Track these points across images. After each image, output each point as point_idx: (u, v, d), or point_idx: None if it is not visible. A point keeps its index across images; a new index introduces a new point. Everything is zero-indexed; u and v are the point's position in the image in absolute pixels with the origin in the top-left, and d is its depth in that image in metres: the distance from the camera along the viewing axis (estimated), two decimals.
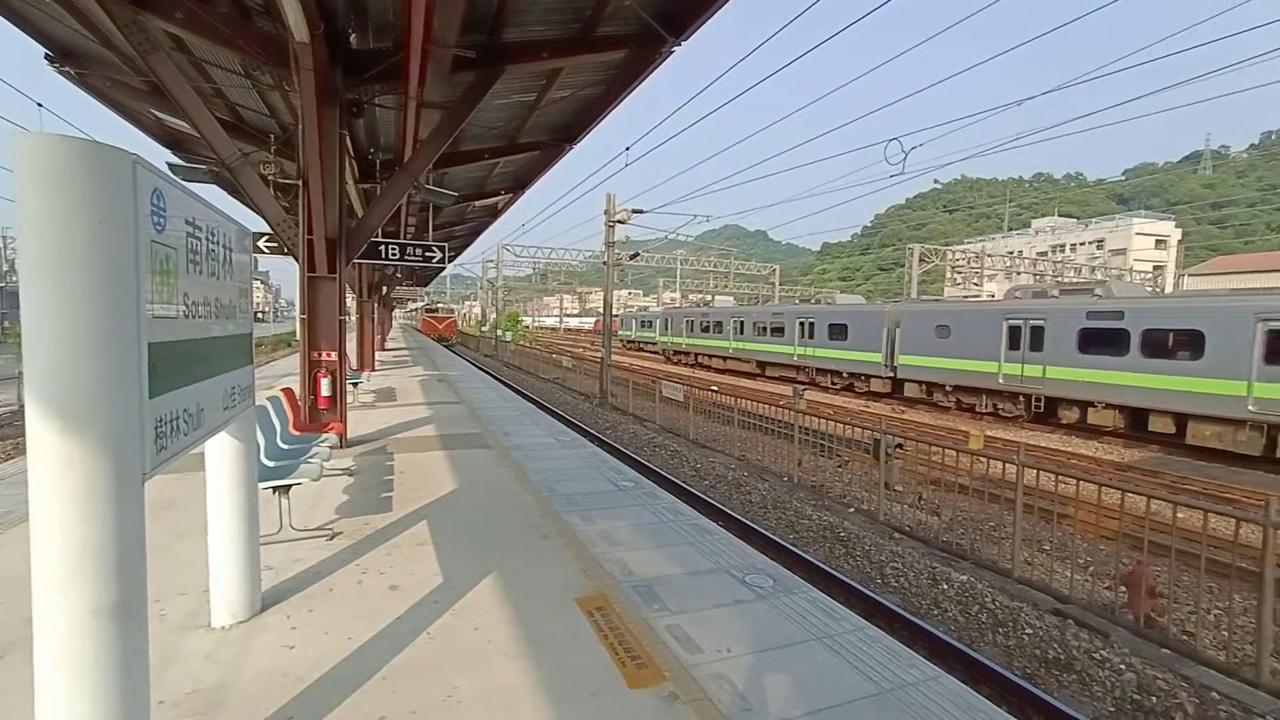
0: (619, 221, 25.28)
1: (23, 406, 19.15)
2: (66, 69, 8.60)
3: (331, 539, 4.77)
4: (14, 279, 54.25)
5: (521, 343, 42.86)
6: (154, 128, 11.64)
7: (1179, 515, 5.55)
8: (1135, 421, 15.23)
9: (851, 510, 9.32)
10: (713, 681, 2.94)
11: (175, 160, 12.11)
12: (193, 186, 2.80)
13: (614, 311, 27.47)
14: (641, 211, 25.40)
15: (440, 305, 57.83)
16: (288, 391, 6.64)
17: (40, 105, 9.73)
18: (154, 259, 1.99)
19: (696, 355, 36.99)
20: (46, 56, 8.46)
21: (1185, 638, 5.37)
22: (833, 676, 3.01)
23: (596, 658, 3.14)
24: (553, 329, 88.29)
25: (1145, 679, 4.71)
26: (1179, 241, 62.20)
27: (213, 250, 2.60)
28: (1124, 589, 5.94)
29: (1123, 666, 4.88)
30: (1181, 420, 14.06)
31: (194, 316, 2.37)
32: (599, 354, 24.99)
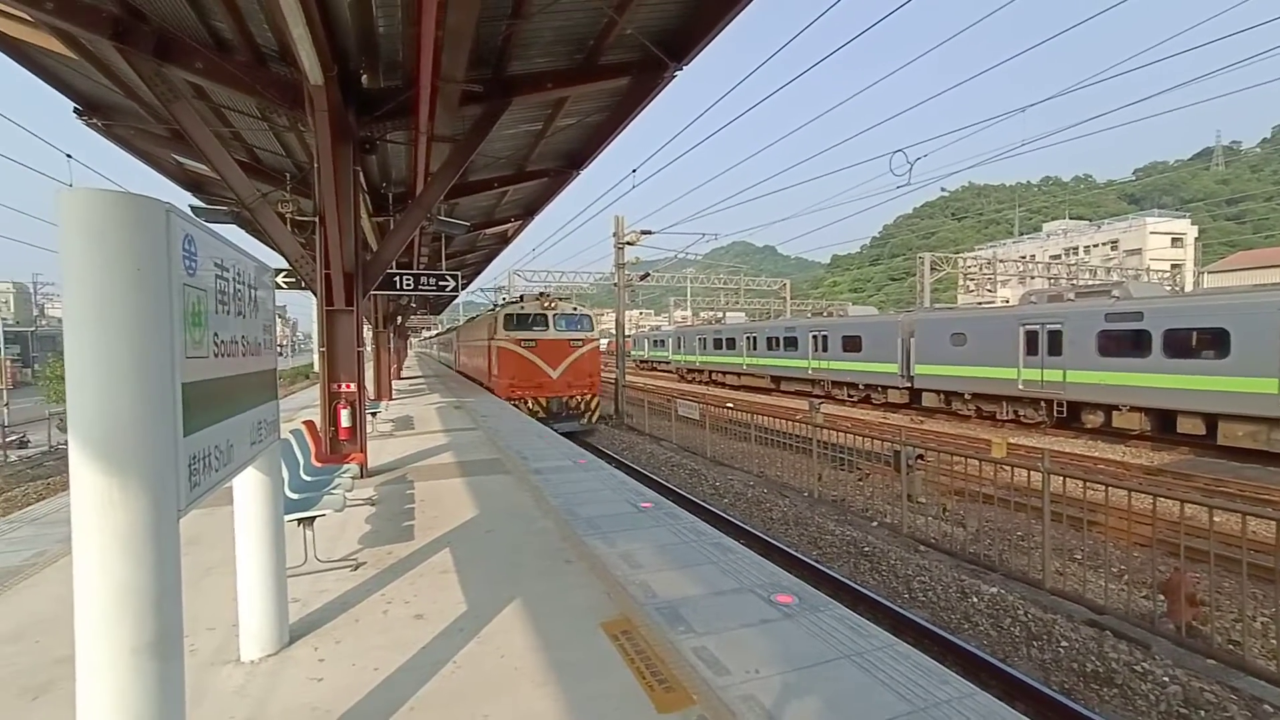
0: (628, 243, 25.54)
1: (53, 448, 19.59)
2: (94, 121, 8.98)
3: (356, 569, 4.80)
4: (44, 323, 55.85)
5: None
6: (176, 172, 12.06)
7: (1216, 519, 5.41)
8: (1163, 424, 14.90)
9: (875, 524, 9.18)
10: (742, 703, 2.90)
11: (196, 202, 12.51)
12: (215, 227, 2.90)
13: (626, 332, 27.57)
14: (650, 233, 25.65)
15: (547, 305, 19.62)
16: (309, 424, 6.74)
17: (69, 156, 10.12)
18: (186, 302, 2.07)
19: (710, 373, 36.94)
20: (75, 110, 8.84)
21: (1231, 647, 5.19)
22: (864, 695, 2.96)
23: (623, 682, 3.11)
24: None
25: (1191, 691, 4.55)
26: (1195, 239, 61.28)
27: (239, 290, 2.69)
28: (1162, 597, 5.77)
29: (1166, 679, 4.72)
30: (1212, 421, 13.73)
31: (223, 355, 2.44)
32: (613, 374, 25.05)
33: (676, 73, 7.66)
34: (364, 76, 7.46)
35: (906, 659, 3.29)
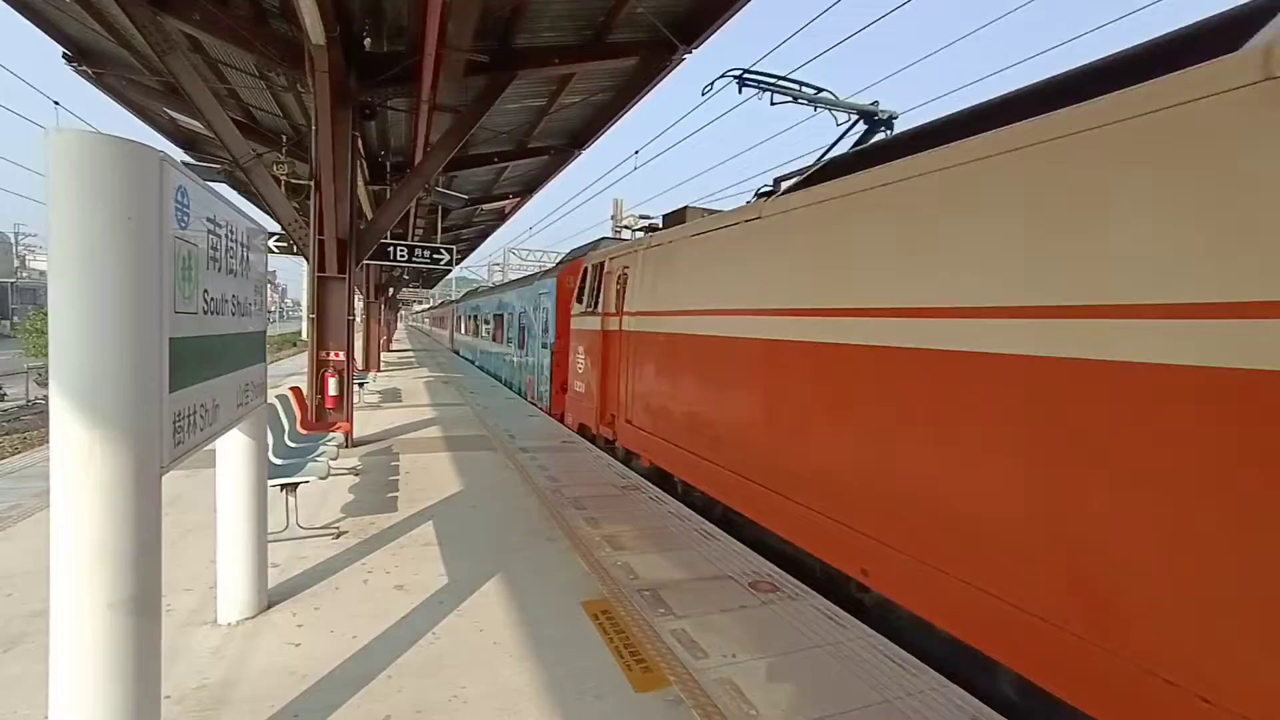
0: (625, 227, 25.37)
1: (30, 402, 19.28)
2: (84, 68, 8.72)
3: (337, 538, 4.78)
4: (24, 276, 54.68)
5: None
6: (168, 127, 11.77)
7: None
8: None
9: None
10: (718, 686, 2.94)
11: (189, 159, 12.24)
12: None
13: None
14: (649, 218, 25.47)
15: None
16: (295, 390, 6.68)
17: (57, 104, 9.84)
18: (177, 255, 2.02)
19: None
20: (64, 55, 8.58)
21: None
22: (838, 684, 3.01)
23: (602, 661, 3.14)
24: None
25: None
26: None
27: (231, 248, 2.64)
28: None
29: None
30: None
31: (212, 313, 2.40)
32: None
33: (686, 55, 7.57)
34: (367, 39, 7.30)
35: (881, 650, 3.34)
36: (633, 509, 5.69)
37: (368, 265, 15.27)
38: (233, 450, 3.29)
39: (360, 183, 10.21)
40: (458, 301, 33.18)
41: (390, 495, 5.98)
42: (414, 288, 34.31)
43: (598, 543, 4.80)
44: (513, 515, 5.45)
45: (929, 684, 3.03)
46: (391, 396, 13.47)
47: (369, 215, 11.70)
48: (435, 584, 4.01)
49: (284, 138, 10.30)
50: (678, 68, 7.97)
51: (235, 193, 14.08)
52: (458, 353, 29.25)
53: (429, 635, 3.35)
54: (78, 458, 1.76)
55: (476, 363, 22.94)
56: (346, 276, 7.59)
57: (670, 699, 2.83)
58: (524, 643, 3.29)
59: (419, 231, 17.67)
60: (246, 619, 3.45)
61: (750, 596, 3.94)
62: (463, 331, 28.21)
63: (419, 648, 3.23)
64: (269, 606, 3.61)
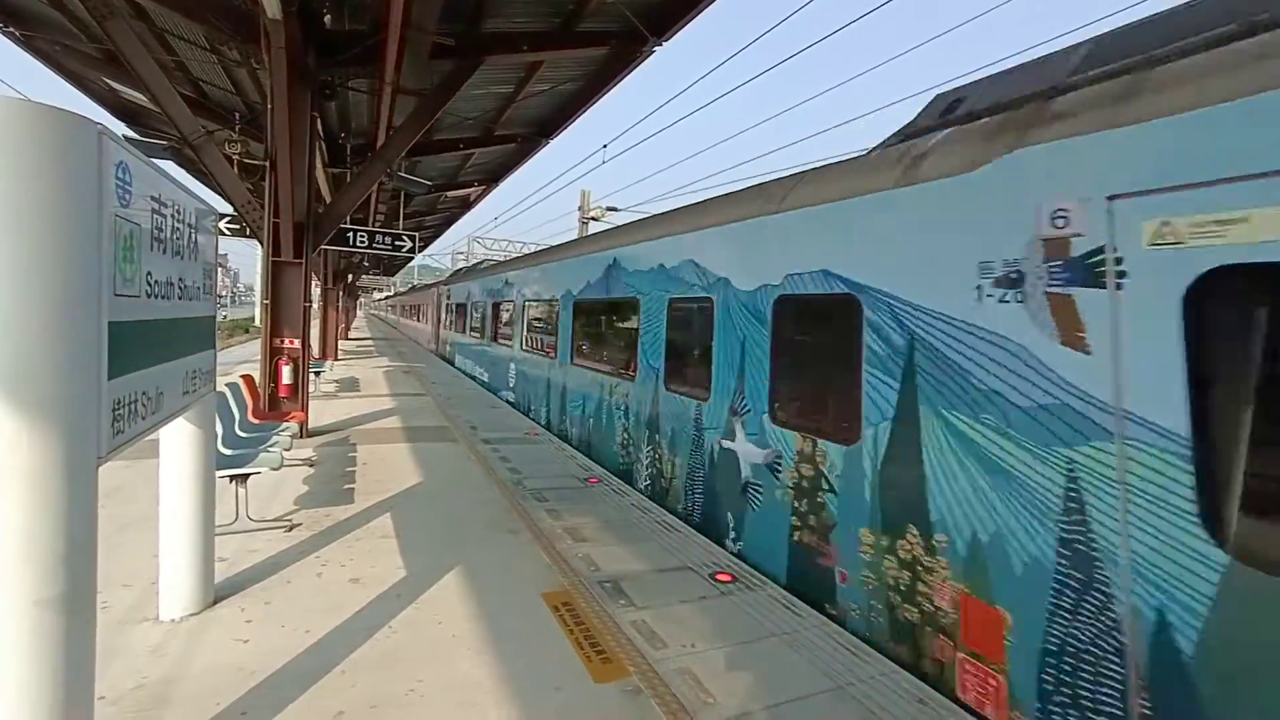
0: (592, 218, 25.23)
1: None
2: (10, 30, 8.15)
3: (290, 530, 4.64)
4: None
5: None
6: (107, 97, 11.11)
7: None
8: None
9: None
10: (676, 676, 2.98)
11: (130, 134, 11.60)
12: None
13: None
14: (616, 210, 25.40)
15: None
16: (247, 378, 6.44)
17: None
18: (118, 235, 1.92)
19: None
20: None
21: None
22: (793, 671, 3.08)
23: (562, 652, 3.14)
24: None
25: None
26: None
27: (177, 229, 2.52)
28: None
29: None
30: None
31: (156, 296, 2.29)
32: None
33: (656, 48, 7.55)
34: (327, 16, 7.05)
35: (835, 638, 3.44)
36: (595, 501, 5.70)
37: (325, 250, 14.80)
38: (178, 440, 3.15)
39: (319, 165, 9.87)
40: (450, 282, 21.19)
41: (347, 487, 5.84)
42: (374, 275, 33.40)
43: (559, 534, 4.79)
44: (474, 507, 5.39)
45: (879, 670, 3.13)
46: (349, 386, 13.11)
47: (328, 199, 11.34)
48: (392, 577, 3.94)
49: (237, 115, 9.85)
50: (647, 60, 7.95)
51: (184, 171, 13.42)
52: (451, 361, 19.28)
53: (385, 629, 3.30)
54: (5, 444, 1.66)
55: (503, 387, 12.68)
56: (303, 262, 7.34)
57: (629, 689, 2.86)
58: (483, 635, 3.27)
59: (380, 217, 17.21)
60: (191, 615, 3.33)
61: (709, 587, 4.00)
62: (466, 329, 16.95)
63: (375, 642, 3.17)
64: (215, 602, 3.49)
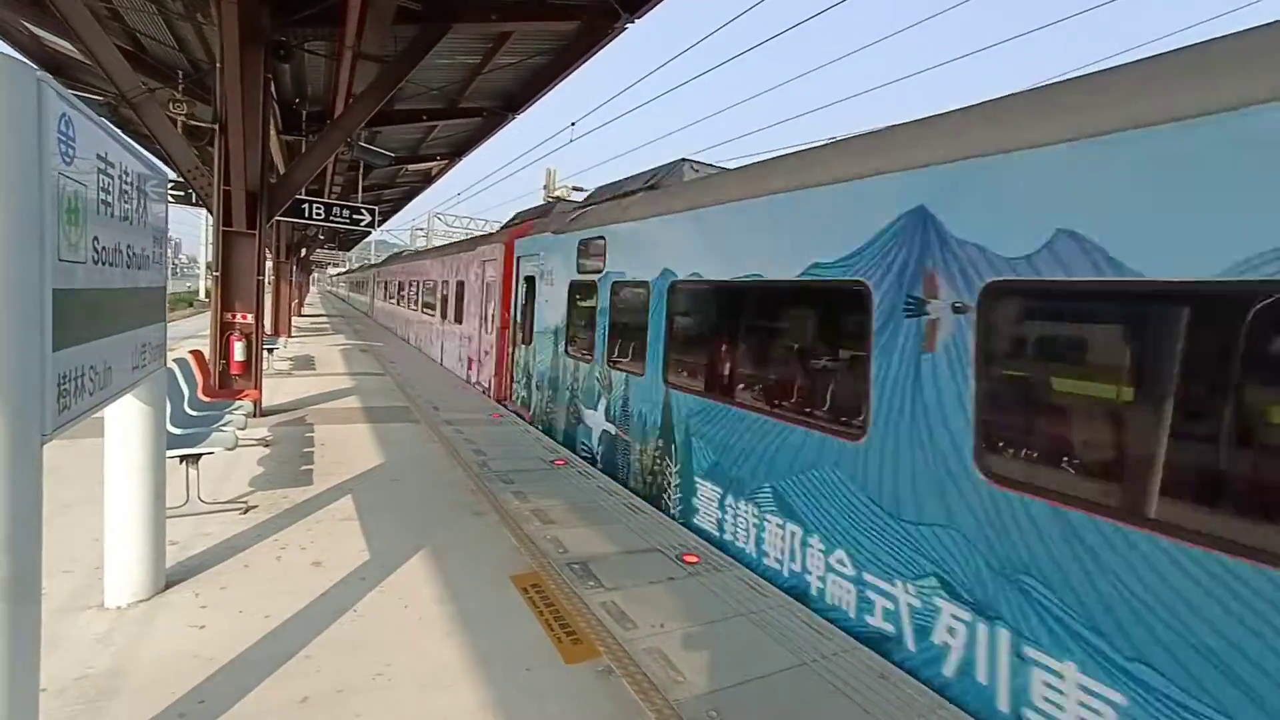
0: (558, 198, 24.83)
1: None
2: None
3: (245, 512, 4.47)
4: None
5: None
6: (29, 45, 10.21)
7: None
8: None
9: None
10: (646, 655, 3.01)
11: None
12: None
13: None
14: (582, 189, 25.07)
15: None
16: (196, 354, 6.13)
17: None
18: (61, 196, 1.77)
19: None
20: None
21: None
22: (759, 649, 3.16)
23: (532, 634, 3.14)
24: None
25: None
26: None
27: (126, 191, 2.35)
28: None
29: None
30: None
31: (104, 264, 2.13)
32: None
33: (629, 24, 7.41)
34: None
35: (798, 616, 3.54)
36: (562, 483, 5.68)
37: (279, 222, 14.13)
38: (125, 418, 2.98)
39: (272, 131, 9.37)
40: (442, 255, 15.74)
41: (305, 468, 5.65)
42: (329, 249, 32.12)
43: (527, 516, 4.76)
44: (438, 489, 5.30)
45: (841, 646, 3.24)
46: (304, 364, 12.65)
47: (281, 168, 10.80)
48: (356, 560, 3.85)
49: (180, 74, 9.22)
50: (619, 37, 7.80)
51: (120, 132, 12.54)
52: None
53: (350, 613, 3.22)
54: None
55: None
56: (256, 233, 6.99)
57: (600, 669, 2.88)
58: (452, 618, 3.23)
59: (337, 189, 16.53)
60: (140, 601, 3.18)
61: (677, 568, 4.05)
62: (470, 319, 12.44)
63: (339, 626, 3.10)
64: (167, 587, 3.34)
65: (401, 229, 55.42)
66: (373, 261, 49.50)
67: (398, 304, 22.62)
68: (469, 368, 12.11)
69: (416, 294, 18.86)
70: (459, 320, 12.97)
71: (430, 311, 16.46)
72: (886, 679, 2.96)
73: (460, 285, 13.03)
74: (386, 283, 26.53)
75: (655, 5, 7.13)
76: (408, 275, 20.63)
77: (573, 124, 16.67)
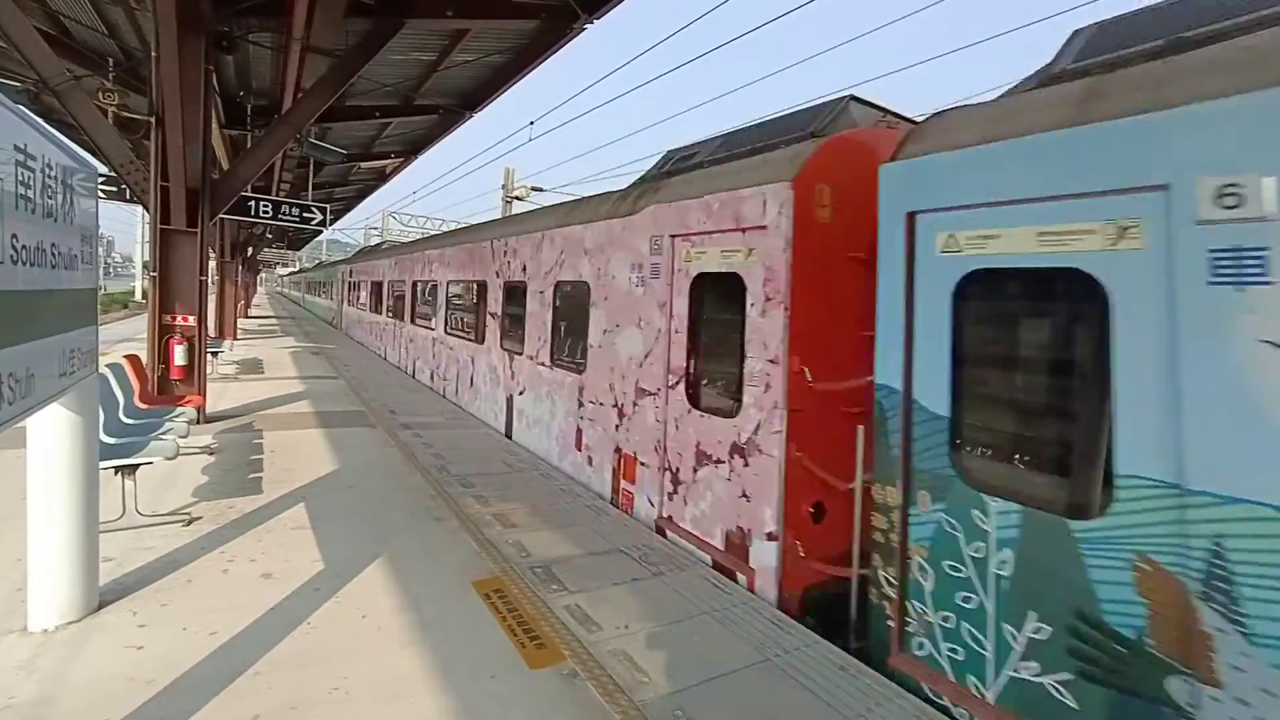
0: (516, 198, 24.53)
1: None
2: None
3: (189, 524, 4.26)
4: None
5: None
6: None
7: None
8: None
9: None
10: (612, 658, 3.00)
11: None
12: None
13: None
14: (541, 190, 24.84)
15: None
16: (132, 359, 5.80)
17: None
18: None
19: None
20: None
21: None
22: (723, 646, 3.19)
23: (495, 640, 3.08)
24: None
25: None
26: None
27: (49, 186, 2.20)
28: None
29: None
30: None
31: (25, 263, 1.99)
32: None
33: (588, 25, 7.38)
34: None
35: (761, 613, 3.59)
36: (523, 486, 5.61)
37: (223, 220, 13.51)
38: (52, 428, 2.79)
39: (214, 125, 8.95)
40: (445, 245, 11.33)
41: (253, 476, 5.42)
42: (278, 248, 30.92)
43: (488, 521, 4.68)
44: (396, 495, 5.16)
45: (802, 641, 3.30)
46: (251, 368, 12.14)
47: (224, 163, 10.33)
48: (309, 570, 3.71)
49: (110, 61, 8.71)
50: (578, 37, 7.76)
51: (41, 122, 11.76)
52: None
53: (304, 625, 3.10)
54: None
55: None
56: (198, 231, 6.66)
57: (565, 673, 2.85)
58: (412, 627, 3.15)
59: (285, 186, 15.91)
60: (69, 623, 2.99)
61: (640, 569, 4.05)
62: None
63: (292, 640, 2.98)
64: (100, 607, 3.15)
65: (354, 228, 53.78)
66: (325, 260, 45.99)
67: (392, 316, 13.88)
68: (576, 447, 6.06)
69: (435, 301, 10.68)
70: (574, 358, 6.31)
71: (470, 334, 9.23)
72: (846, 670, 3.03)
73: (581, 289, 6.21)
74: (368, 283, 16.91)
75: (615, 6, 7.13)
76: (413, 272, 12.13)
77: (531, 123, 16.49)
